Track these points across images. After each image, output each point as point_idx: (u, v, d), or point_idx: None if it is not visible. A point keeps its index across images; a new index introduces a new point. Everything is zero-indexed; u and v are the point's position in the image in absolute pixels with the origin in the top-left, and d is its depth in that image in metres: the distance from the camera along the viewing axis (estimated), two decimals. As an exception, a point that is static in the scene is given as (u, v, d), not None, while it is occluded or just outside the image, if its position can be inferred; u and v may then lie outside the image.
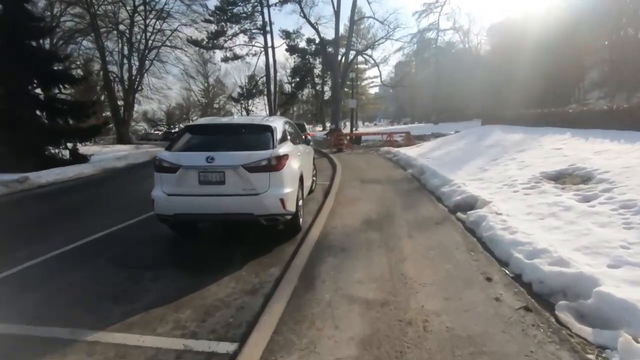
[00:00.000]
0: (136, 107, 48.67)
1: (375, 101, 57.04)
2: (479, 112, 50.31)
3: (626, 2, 32.02)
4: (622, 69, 32.07)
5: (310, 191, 7.46)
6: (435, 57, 46.07)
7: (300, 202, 5.03)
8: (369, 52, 32.98)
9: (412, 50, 45.78)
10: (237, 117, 4.43)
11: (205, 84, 61.87)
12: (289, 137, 5.24)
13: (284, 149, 4.56)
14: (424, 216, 5.27)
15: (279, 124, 4.96)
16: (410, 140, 17.82)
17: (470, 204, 5.34)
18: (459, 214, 5.14)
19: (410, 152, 12.77)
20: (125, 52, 30.75)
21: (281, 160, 4.29)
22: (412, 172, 9.46)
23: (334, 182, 8.63)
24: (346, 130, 23.83)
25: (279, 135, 4.69)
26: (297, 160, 5.06)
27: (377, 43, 30.69)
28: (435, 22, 43.37)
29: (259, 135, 4.59)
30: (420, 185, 7.74)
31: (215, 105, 65.03)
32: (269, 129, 4.60)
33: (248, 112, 54.77)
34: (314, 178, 7.91)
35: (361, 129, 48.89)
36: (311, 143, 7.04)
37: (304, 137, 6.92)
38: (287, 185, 4.34)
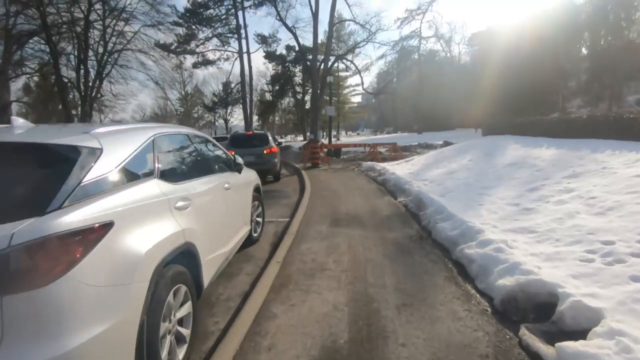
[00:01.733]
0: (107, 116, 44.86)
1: (358, 110, 54.60)
2: (462, 121, 48.59)
3: (605, 12, 30.83)
4: (604, 78, 30.66)
5: (252, 242, 4.64)
6: (417, 66, 44.10)
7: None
8: (350, 57, 30.38)
9: (394, 58, 43.70)
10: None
11: (183, 93, 58.48)
12: (154, 167, 2.33)
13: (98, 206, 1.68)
14: (449, 339, 2.40)
15: (111, 140, 2.08)
16: (398, 153, 15.12)
17: (546, 306, 2.50)
18: (529, 336, 2.28)
19: (399, 169, 10.01)
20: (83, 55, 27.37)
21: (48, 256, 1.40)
22: (405, 201, 6.63)
23: (293, 220, 5.72)
24: (325, 140, 21.01)
25: (94, 170, 1.80)
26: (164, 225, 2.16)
27: (358, 46, 28.12)
28: (417, 30, 41.42)
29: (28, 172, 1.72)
30: (422, 231, 4.90)
31: (195, 115, 61.51)
32: (51, 155, 1.74)
33: (226, 121, 51.52)
34: (258, 219, 5.01)
35: (344, 138, 46.28)
36: (242, 169, 4.14)
37: (227, 158, 4.02)
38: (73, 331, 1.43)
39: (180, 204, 2.42)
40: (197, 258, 2.55)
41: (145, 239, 1.95)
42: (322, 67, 28.24)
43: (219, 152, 3.87)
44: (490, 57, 40.90)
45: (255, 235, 4.84)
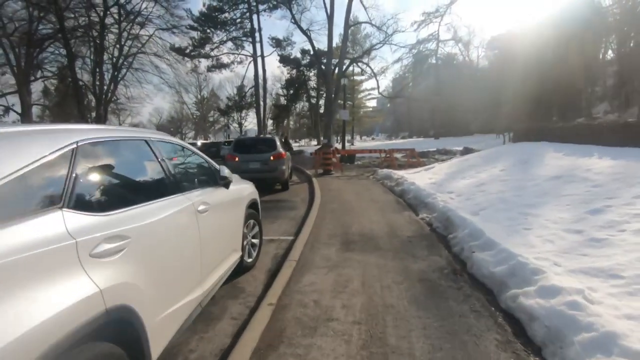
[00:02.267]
0: (124, 120, 45.17)
1: (373, 114, 53.48)
2: (480, 127, 46.91)
3: (634, 14, 29.17)
4: (634, 81, 28.89)
5: (246, 268, 3.89)
6: (435, 70, 42.78)
7: None
8: (365, 60, 29.41)
9: (411, 62, 42.53)
10: None
11: (199, 96, 58.67)
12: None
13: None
14: None
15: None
16: (416, 159, 14.05)
17: None
18: None
19: (419, 178, 9.00)
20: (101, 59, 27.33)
21: None
22: (429, 219, 5.66)
23: (297, 240, 4.83)
24: (339, 145, 20.00)
25: None
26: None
27: (374, 48, 27.11)
28: (435, 33, 40.15)
29: None
30: (454, 261, 3.92)
31: (210, 119, 61.59)
32: None
33: (241, 125, 51.22)
34: (254, 241, 4.17)
35: (358, 143, 45.25)
36: (231, 182, 3.28)
37: (207, 170, 3.17)
38: None
39: (103, 248, 1.55)
40: (136, 325, 1.67)
41: (17, 320, 1.10)
42: (336, 70, 27.41)
43: (194, 164, 3.02)
44: (510, 60, 39.38)
45: (249, 260, 3.98)
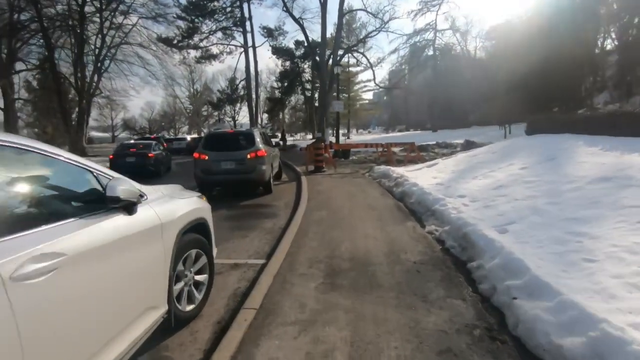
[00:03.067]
0: (118, 114, 43.53)
1: (369, 107, 51.97)
2: (479, 119, 45.62)
3: (636, 1, 27.90)
4: (636, 70, 27.70)
5: (184, 320, 2.76)
6: (432, 60, 41.32)
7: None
8: (361, 49, 27.88)
9: (408, 53, 41.05)
10: None
11: (191, 90, 56.98)
12: None
13: None
14: None
15: None
16: (416, 154, 12.76)
17: None
18: None
19: (421, 177, 7.73)
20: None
21: None
22: (438, 232, 4.40)
23: (267, 267, 3.56)
24: (333, 139, 18.60)
25: None
26: None
27: (369, 36, 25.47)
28: (433, 22, 38.66)
29: None
30: (485, 309, 2.67)
31: (204, 113, 59.87)
32: None
33: (234, 119, 49.65)
34: (198, 278, 2.91)
35: (354, 137, 43.82)
36: (137, 204, 1.99)
37: (79, 192, 1.87)
38: None
39: None
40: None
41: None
42: (330, 60, 25.94)
43: (47, 181, 1.73)
44: (509, 50, 37.99)
45: (188, 309, 2.72)
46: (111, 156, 12.75)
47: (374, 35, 25.19)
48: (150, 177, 11.51)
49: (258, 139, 7.30)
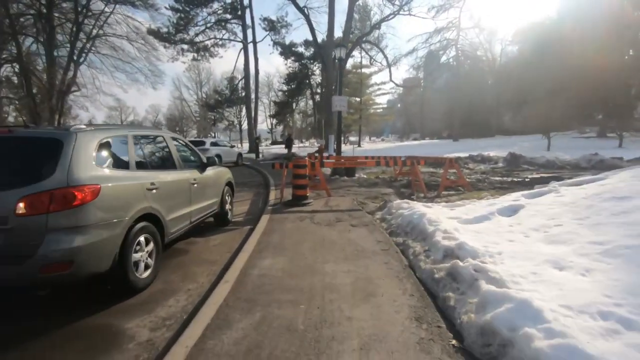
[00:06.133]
0: (127, 116, 39.73)
1: (383, 113, 46.86)
2: (504, 128, 40.04)
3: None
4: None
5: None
6: (455, 61, 36.14)
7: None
8: (374, 36, 23.02)
9: (426, 55, 36.02)
10: None
11: (199, 93, 53.29)
12: None
13: None
14: None
15: None
16: (461, 180, 7.73)
17: None
18: None
19: (516, 254, 2.91)
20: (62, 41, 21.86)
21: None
22: None
23: None
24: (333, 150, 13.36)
25: None
26: None
27: (386, 19, 20.44)
28: (456, 20, 33.59)
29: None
30: None
31: (212, 116, 56.03)
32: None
33: (240, 124, 45.48)
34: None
35: (366, 145, 38.79)
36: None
37: None
38: None
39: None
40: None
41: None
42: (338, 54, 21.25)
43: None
44: (540, 53, 32.70)
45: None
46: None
47: (391, 19, 20.28)
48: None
49: (74, 153, 2.45)
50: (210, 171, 4.63)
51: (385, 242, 4.16)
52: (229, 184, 5.41)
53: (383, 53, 22.35)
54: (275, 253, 3.83)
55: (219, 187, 4.94)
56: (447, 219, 4.41)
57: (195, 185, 4.15)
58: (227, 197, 5.28)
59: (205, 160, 4.55)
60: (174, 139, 4.27)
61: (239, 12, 24.95)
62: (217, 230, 5.06)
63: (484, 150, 19.15)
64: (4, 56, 23.02)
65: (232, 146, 19.33)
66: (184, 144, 4.48)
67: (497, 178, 9.95)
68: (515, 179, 9.35)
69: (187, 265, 3.75)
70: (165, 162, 3.77)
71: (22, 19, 20.01)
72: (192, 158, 4.47)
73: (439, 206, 5.48)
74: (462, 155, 15.82)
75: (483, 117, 40.92)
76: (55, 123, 20.78)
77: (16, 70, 26.08)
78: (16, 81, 27.47)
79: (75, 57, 21.28)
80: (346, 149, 22.52)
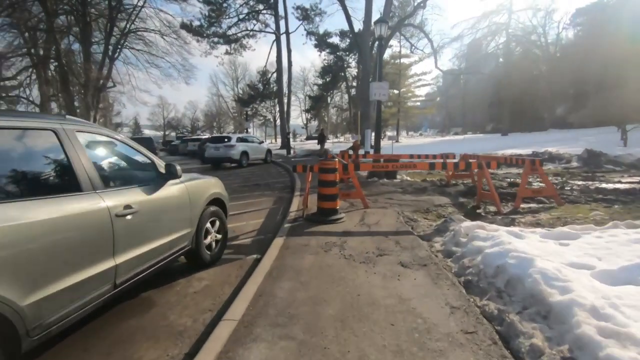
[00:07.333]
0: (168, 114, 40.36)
1: (422, 106, 43.63)
2: (558, 121, 35.62)
3: None
4: None
5: None
6: (505, 47, 32.49)
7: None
8: (416, 19, 20.58)
9: (471, 41, 32.69)
10: None
11: (235, 89, 53.09)
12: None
13: None
14: None
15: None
16: (549, 187, 5.61)
17: None
18: None
19: None
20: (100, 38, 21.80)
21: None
22: None
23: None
24: (369, 147, 11.49)
25: None
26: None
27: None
28: (507, 1, 30.01)
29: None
30: None
31: (249, 112, 55.81)
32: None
33: (274, 119, 44.49)
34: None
35: (403, 139, 36.05)
36: None
37: None
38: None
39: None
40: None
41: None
42: (376, 43, 19.21)
43: None
44: (608, 34, 28.36)
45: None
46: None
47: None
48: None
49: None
50: (172, 187, 2.90)
51: (464, 311, 2.40)
52: (214, 203, 3.57)
53: (428, 37, 19.93)
54: (278, 328, 2.22)
55: (191, 211, 3.11)
56: (570, 269, 2.56)
57: (131, 216, 2.33)
58: (209, 226, 3.42)
59: (163, 169, 2.86)
60: (96, 133, 2.40)
61: (272, 1, 23.61)
62: (209, 263, 3.55)
63: (541, 145, 16.33)
64: (48, 54, 23.45)
65: (261, 142, 18.04)
66: (122, 142, 2.65)
67: (580, 182, 7.67)
68: (609, 185, 7.05)
69: (133, 341, 2.25)
70: (48, 183, 1.96)
71: (59, 18, 19.97)
72: (136, 168, 2.76)
73: (533, 234, 3.59)
74: (521, 152, 13.31)
75: (533, 108, 36.68)
76: (91, 118, 20.73)
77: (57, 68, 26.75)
78: (58, 79, 28.30)
79: (110, 53, 21.04)
80: (384, 144, 20.48)
